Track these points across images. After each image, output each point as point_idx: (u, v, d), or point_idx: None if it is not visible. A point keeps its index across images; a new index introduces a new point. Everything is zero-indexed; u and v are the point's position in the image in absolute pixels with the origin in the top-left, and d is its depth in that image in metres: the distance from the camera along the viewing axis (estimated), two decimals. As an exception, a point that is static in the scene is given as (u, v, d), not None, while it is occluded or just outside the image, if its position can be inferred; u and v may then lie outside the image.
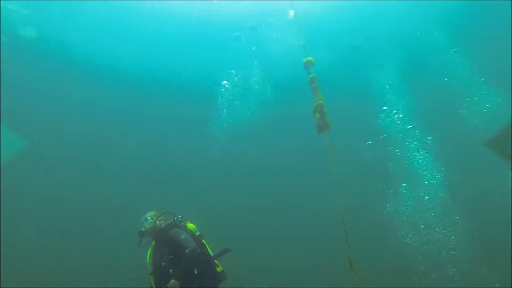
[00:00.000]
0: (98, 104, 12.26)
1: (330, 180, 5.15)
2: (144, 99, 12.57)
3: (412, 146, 10.66)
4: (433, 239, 9.61)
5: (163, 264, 4.22)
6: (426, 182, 10.27)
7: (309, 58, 6.58)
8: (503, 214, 9.03)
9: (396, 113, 10.80)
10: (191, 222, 4.75)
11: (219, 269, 4.45)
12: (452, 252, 9.39)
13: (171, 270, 4.07)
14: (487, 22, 10.85)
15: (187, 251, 4.03)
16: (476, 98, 10.95)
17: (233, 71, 11.06)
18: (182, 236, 4.27)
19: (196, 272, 4.08)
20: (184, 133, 12.86)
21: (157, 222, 4.63)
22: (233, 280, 4.70)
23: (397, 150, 10.62)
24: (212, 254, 4.51)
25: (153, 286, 4.19)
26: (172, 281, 3.86)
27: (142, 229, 4.54)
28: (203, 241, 4.56)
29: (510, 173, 8.00)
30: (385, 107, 10.98)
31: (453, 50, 11.15)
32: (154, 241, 4.62)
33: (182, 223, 4.65)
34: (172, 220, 4.65)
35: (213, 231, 5.02)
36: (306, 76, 6.32)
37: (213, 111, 11.69)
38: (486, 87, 10.92)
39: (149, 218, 4.75)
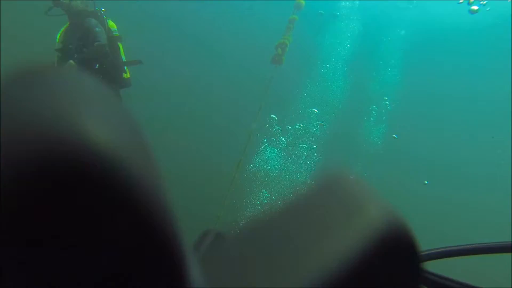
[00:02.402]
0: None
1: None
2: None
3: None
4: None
5: (70, 46, 4.14)
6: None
7: (301, 1, 7.56)
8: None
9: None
10: (113, 22, 4.48)
11: (126, 75, 4.47)
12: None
13: (75, 55, 4.00)
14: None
15: (95, 43, 4.01)
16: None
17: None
18: (97, 29, 4.10)
19: (96, 67, 4.08)
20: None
21: (78, 2, 4.20)
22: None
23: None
24: (124, 59, 4.44)
25: (55, 61, 4.15)
26: (71, 62, 3.90)
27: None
28: (119, 44, 4.41)
29: None
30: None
31: None
32: (68, 23, 4.32)
33: (103, 17, 4.38)
34: (92, 9, 4.34)
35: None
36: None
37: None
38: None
39: None
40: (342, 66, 11.79)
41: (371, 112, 11.77)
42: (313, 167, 10.51)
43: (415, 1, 11.90)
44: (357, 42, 11.34)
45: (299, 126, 10.69)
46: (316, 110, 10.60)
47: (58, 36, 4.31)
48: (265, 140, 10.11)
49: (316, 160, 10.42)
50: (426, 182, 11.82)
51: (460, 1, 10.05)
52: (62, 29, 4.34)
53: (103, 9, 4.38)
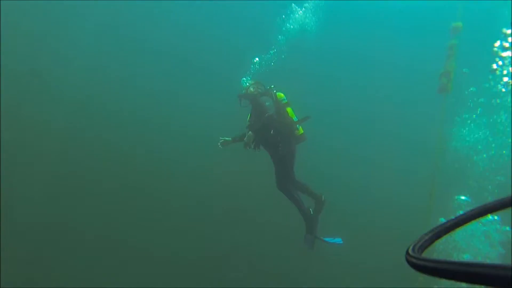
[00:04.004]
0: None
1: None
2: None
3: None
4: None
5: (251, 122, 5.19)
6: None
7: (458, 23, 7.28)
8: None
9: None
10: (281, 92, 5.37)
11: (299, 132, 5.26)
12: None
13: (254, 127, 5.06)
14: None
15: (266, 115, 4.90)
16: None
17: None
18: (267, 103, 5.01)
19: (272, 132, 5.00)
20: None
21: (251, 89, 5.36)
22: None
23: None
24: (295, 119, 5.24)
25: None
26: (250, 133, 4.96)
27: (240, 93, 5.37)
28: (288, 108, 5.25)
29: None
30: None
31: None
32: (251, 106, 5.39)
33: (273, 92, 5.29)
34: (264, 89, 5.37)
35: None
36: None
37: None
38: None
39: (245, 85, 5.53)
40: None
41: None
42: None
43: None
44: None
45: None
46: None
47: (248, 117, 5.41)
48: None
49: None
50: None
51: None
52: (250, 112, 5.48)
53: (272, 86, 5.38)
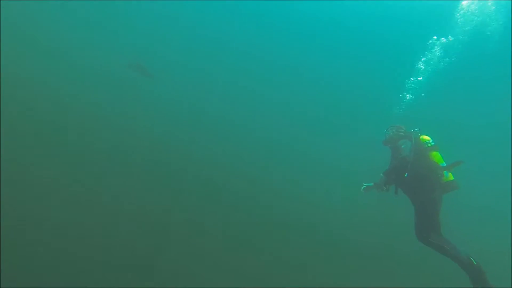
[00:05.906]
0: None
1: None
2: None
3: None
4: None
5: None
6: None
7: None
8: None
9: None
10: (427, 135, 5.03)
11: (447, 178, 4.68)
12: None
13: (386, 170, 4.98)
14: None
15: (399, 157, 4.80)
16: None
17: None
18: (403, 146, 4.86)
19: (406, 175, 4.63)
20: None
21: (390, 133, 5.37)
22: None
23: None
24: (443, 164, 4.77)
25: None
26: (381, 175, 4.89)
27: (383, 140, 5.44)
28: (433, 152, 4.85)
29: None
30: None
31: None
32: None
33: (417, 135, 5.00)
34: (405, 132, 5.24)
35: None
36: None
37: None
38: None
39: (387, 131, 5.52)
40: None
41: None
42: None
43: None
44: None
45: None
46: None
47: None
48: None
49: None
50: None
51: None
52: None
53: (417, 129, 5.09)
